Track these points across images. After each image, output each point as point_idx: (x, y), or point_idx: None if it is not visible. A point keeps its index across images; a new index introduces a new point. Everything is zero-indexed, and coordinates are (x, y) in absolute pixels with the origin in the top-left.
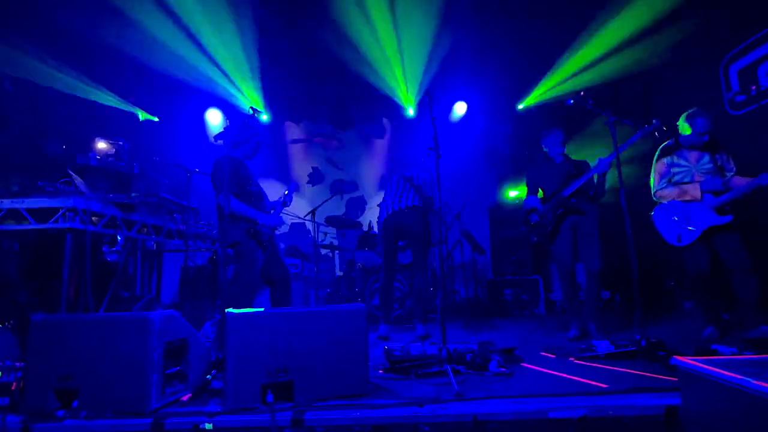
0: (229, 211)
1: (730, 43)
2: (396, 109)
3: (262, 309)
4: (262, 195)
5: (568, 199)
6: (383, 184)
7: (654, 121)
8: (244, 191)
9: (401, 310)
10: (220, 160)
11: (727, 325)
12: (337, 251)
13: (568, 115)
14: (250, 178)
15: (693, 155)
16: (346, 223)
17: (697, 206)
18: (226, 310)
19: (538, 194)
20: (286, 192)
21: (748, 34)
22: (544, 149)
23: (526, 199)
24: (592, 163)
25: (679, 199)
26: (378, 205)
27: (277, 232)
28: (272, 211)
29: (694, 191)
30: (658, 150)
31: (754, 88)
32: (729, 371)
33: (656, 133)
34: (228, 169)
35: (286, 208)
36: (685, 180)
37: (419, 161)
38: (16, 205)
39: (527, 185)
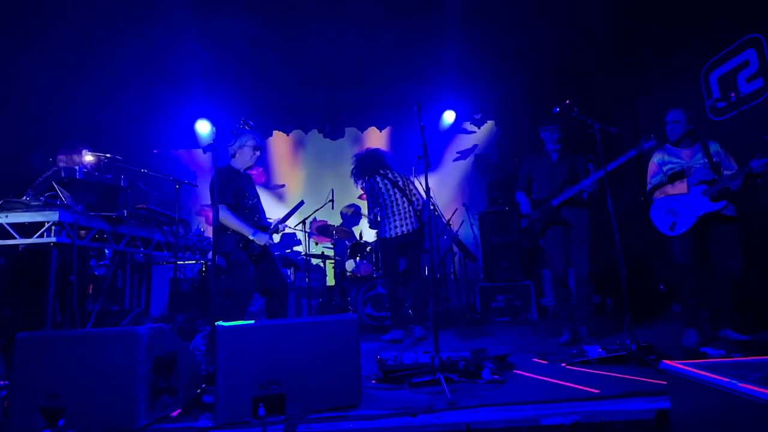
0: (218, 222)
1: (710, 50)
2: (386, 116)
3: (253, 321)
4: (257, 209)
5: (557, 210)
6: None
7: (643, 140)
8: (239, 204)
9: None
10: (218, 171)
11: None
12: (328, 260)
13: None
14: (247, 191)
15: (686, 152)
16: (338, 231)
17: (689, 196)
18: (215, 323)
19: (529, 188)
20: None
21: (728, 42)
22: (542, 140)
23: (516, 194)
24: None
25: (670, 194)
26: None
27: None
28: (267, 227)
29: (681, 185)
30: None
31: (733, 94)
32: (715, 374)
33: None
34: (223, 181)
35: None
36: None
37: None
38: (0, 220)
39: (519, 175)
